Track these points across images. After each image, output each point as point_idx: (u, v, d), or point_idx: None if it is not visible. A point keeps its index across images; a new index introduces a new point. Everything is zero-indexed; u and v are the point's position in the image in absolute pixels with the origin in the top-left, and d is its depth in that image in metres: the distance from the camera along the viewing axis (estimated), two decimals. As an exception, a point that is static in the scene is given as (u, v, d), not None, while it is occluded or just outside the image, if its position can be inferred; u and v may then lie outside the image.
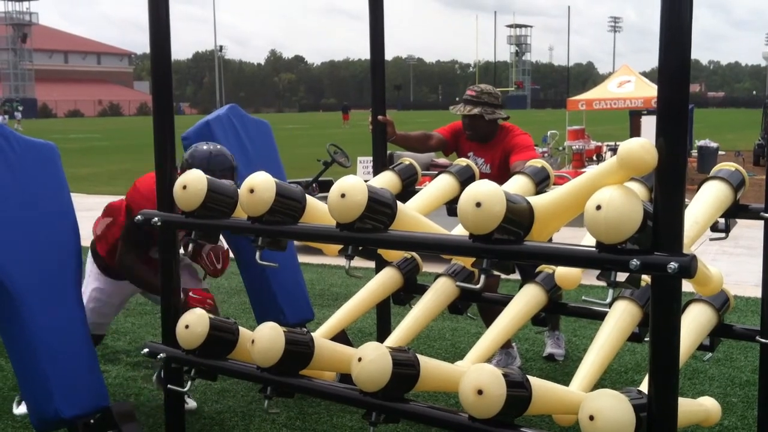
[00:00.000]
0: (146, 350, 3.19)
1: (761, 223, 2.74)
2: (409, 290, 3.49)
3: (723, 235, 2.95)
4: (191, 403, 4.04)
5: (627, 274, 2.03)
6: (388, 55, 4.39)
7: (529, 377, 2.30)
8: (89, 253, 4.00)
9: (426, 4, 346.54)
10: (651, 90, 17.02)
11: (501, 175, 4.21)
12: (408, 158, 3.68)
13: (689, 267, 1.91)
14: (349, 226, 2.45)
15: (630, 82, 19.48)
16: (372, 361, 2.44)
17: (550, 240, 2.57)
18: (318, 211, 2.87)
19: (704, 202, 2.78)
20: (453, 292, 3.38)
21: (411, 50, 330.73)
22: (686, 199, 2.22)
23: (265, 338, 2.72)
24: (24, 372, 3.32)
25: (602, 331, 2.84)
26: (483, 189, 2.19)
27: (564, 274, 3.06)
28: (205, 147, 3.65)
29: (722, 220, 2.92)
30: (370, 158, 4.24)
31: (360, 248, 2.59)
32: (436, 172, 3.75)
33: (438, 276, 3.37)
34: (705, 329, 2.94)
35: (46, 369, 3.27)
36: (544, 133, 18.19)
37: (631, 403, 2.09)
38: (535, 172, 3.28)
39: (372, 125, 4.10)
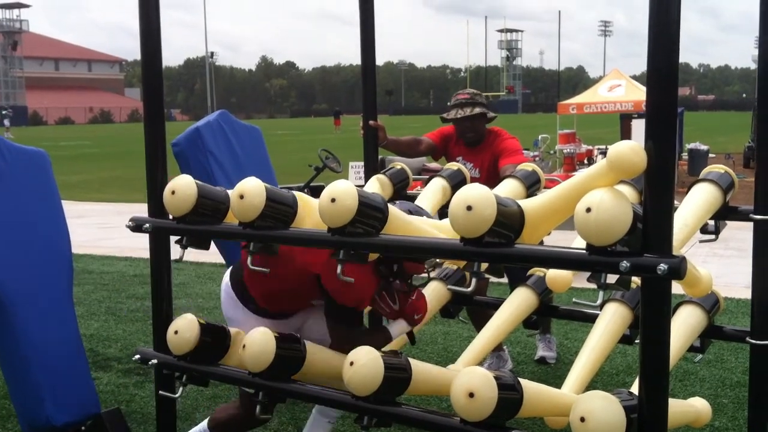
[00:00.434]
0: (137, 356, 3.18)
1: (751, 225, 2.74)
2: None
3: (713, 237, 2.96)
4: None
5: (617, 276, 2.04)
6: (380, 61, 4.39)
7: (520, 380, 2.30)
8: (227, 293, 3.13)
9: (417, 9, 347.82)
10: (641, 93, 17.09)
11: (490, 179, 4.27)
12: (399, 163, 3.70)
13: (679, 268, 1.91)
14: (340, 231, 2.45)
15: (620, 86, 19.61)
16: (364, 365, 2.44)
17: (541, 243, 2.57)
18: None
19: (694, 205, 2.80)
20: (444, 295, 3.39)
21: (402, 55, 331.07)
22: (676, 202, 2.23)
23: (256, 343, 2.72)
24: (15, 379, 3.31)
25: (593, 334, 2.85)
26: (474, 192, 2.19)
27: (555, 276, 3.07)
28: None
29: (712, 222, 2.93)
30: (362, 163, 4.25)
31: (352, 252, 2.59)
32: (427, 177, 3.76)
33: (429, 280, 3.38)
34: (695, 331, 2.96)
35: (37, 376, 3.26)
36: (535, 137, 18.23)
37: (622, 405, 2.10)
38: (526, 175, 3.29)
39: (363, 130, 4.11)
